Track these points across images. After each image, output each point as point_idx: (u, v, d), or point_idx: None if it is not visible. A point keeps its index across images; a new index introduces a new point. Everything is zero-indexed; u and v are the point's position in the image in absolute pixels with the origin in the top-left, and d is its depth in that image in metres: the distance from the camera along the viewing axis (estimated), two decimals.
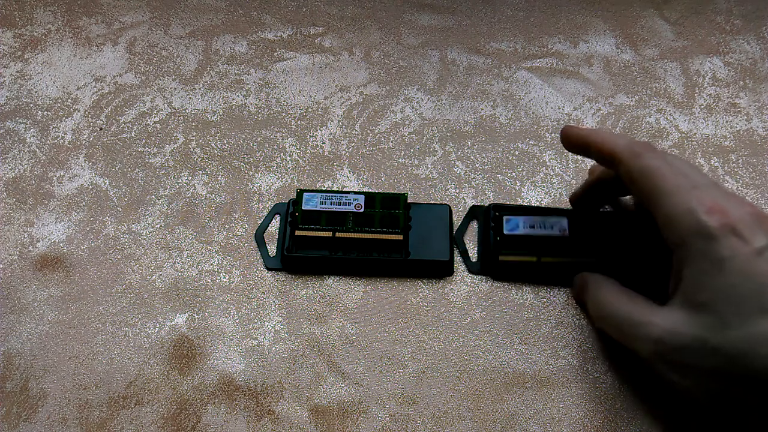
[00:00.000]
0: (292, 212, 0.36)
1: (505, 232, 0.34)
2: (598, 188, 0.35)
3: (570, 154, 0.39)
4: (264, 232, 0.37)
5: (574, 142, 0.32)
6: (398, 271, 0.35)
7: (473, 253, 0.36)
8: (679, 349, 0.26)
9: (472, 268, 0.35)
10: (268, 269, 0.36)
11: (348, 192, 0.36)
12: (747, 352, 0.24)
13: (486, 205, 0.37)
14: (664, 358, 0.27)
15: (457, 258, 0.36)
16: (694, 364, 0.26)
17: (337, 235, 0.34)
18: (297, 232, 0.35)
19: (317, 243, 0.35)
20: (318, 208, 0.35)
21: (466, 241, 0.36)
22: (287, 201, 0.37)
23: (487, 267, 0.35)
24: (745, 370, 0.24)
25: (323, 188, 0.38)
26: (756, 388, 0.24)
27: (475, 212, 0.37)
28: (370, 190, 0.38)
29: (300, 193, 0.35)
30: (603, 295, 0.31)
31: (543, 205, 0.38)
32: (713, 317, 0.25)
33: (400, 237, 0.35)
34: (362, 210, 0.35)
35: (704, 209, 0.26)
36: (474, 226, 0.37)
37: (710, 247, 0.25)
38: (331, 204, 0.35)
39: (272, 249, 0.36)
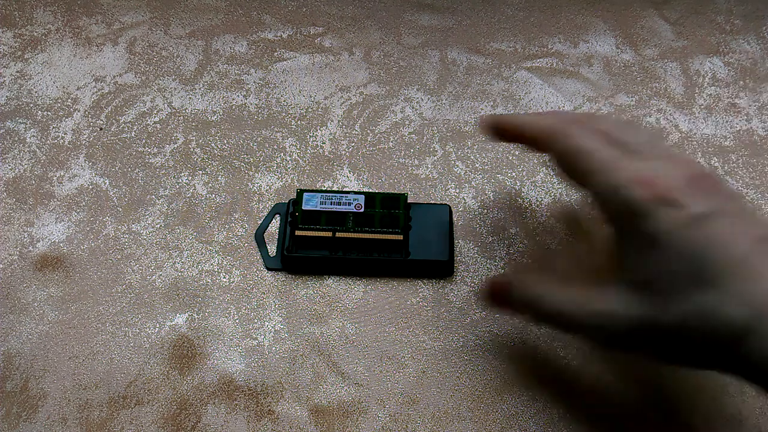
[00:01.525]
0: (292, 212, 0.36)
1: None
2: None
3: None
4: (264, 232, 0.37)
5: (505, 129, 0.30)
6: (398, 271, 0.35)
7: None
8: (624, 332, 0.25)
9: None
10: (268, 269, 0.36)
11: (348, 192, 0.36)
12: (688, 327, 0.23)
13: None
14: (611, 342, 0.26)
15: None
16: (642, 341, 0.25)
17: (337, 235, 0.34)
18: (297, 232, 0.35)
19: (317, 243, 0.35)
20: (318, 208, 0.35)
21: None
22: (287, 201, 0.37)
23: None
24: (689, 342, 0.24)
25: (323, 188, 0.38)
26: (702, 358, 0.24)
27: None
28: (370, 190, 0.38)
29: (300, 193, 0.35)
30: (538, 293, 0.28)
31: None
32: (654, 296, 0.24)
33: (400, 237, 0.35)
34: (362, 210, 0.35)
35: (633, 182, 0.24)
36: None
37: (641, 222, 0.24)
38: (331, 204, 0.35)
39: (272, 249, 0.36)
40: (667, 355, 0.25)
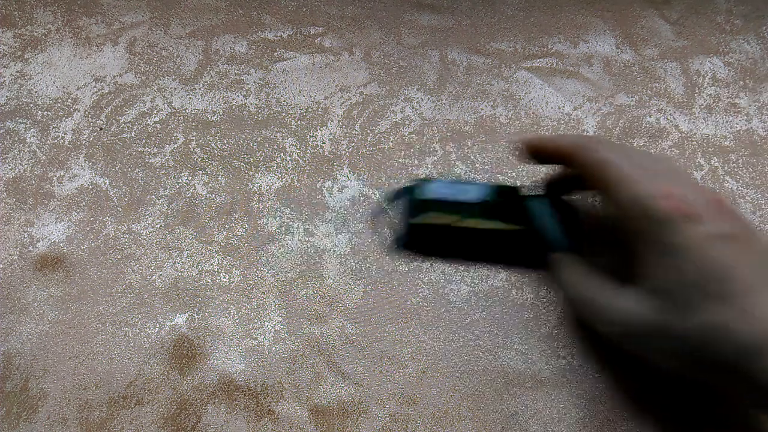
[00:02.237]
0: (412, 198, 0.36)
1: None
2: (568, 180, 0.35)
3: None
4: (383, 213, 0.37)
5: (535, 150, 0.33)
6: (518, 261, 0.36)
7: None
8: (640, 333, 0.26)
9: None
10: (394, 249, 0.36)
11: (468, 183, 0.36)
12: (699, 338, 0.25)
13: None
14: (625, 340, 0.27)
15: None
16: (655, 345, 0.26)
17: (458, 224, 0.34)
18: (416, 220, 0.35)
19: (436, 231, 0.35)
20: (438, 197, 0.35)
21: None
22: (410, 185, 0.37)
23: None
24: (700, 354, 0.25)
25: (446, 177, 0.38)
26: (712, 374, 0.25)
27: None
28: (494, 182, 0.38)
29: (420, 180, 0.36)
30: (568, 276, 0.31)
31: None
32: (671, 304, 0.25)
33: (520, 227, 0.34)
34: (482, 200, 0.35)
35: (658, 194, 0.26)
36: None
37: (663, 231, 0.25)
38: (451, 192, 0.35)
39: (388, 233, 0.37)
40: (673, 363, 0.26)
